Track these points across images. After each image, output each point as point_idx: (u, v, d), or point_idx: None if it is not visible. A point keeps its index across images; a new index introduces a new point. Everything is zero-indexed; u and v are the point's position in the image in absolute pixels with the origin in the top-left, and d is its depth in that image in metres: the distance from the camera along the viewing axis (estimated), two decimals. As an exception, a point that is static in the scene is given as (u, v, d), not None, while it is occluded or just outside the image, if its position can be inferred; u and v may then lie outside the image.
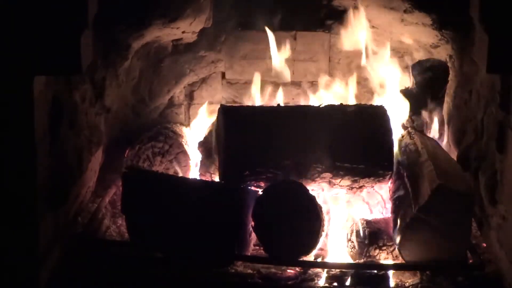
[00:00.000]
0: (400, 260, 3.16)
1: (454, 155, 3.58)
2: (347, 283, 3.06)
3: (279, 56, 3.96)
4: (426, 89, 3.57)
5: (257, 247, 3.33)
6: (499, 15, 2.82)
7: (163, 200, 3.19)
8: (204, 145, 3.66)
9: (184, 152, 3.86)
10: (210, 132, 3.68)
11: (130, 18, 3.57)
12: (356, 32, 3.86)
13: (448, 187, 3.01)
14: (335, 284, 3.06)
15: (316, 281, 3.10)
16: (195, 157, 3.84)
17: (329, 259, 3.31)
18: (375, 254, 3.23)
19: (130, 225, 3.26)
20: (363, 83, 4.07)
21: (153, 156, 3.84)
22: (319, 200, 3.31)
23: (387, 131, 3.34)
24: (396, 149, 3.38)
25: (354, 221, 3.38)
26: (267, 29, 3.93)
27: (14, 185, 2.79)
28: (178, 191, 3.23)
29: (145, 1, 3.58)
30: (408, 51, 4.02)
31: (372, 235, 3.25)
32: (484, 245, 3.27)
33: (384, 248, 3.23)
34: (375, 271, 3.11)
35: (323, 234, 3.27)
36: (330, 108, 3.48)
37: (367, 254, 3.23)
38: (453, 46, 3.67)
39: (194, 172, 3.82)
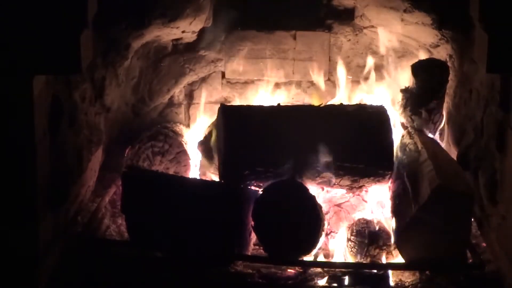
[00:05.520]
0: (400, 260, 3.16)
1: (454, 154, 3.58)
2: (347, 283, 3.06)
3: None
4: (426, 89, 3.57)
5: (257, 247, 3.33)
6: (499, 15, 2.82)
7: (163, 200, 3.19)
8: (204, 145, 3.66)
9: (184, 152, 3.86)
10: (210, 132, 3.68)
11: (130, 18, 3.57)
12: None
13: (447, 187, 3.01)
14: (335, 284, 3.06)
15: (316, 281, 3.10)
16: (195, 157, 3.84)
17: (329, 259, 3.32)
18: (375, 254, 3.23)
19: (130, 224, 3.26)
20: (363, 83, 4.07)
21: (153, 156, 3.84)
22: (319, 200, 3.31)
23: (387, 131, 3.34)
24: (396, 148, 3.38)
25: (354, 220, 3.38)
26: None
27: (14, 185, 2.79)
28: (178, 191, 3.23)
29: (145, 1, 3.59)
30: (408, 50, 4.02)
31: (372, 235, 3.25)
32: (484, 244, 3.27)
33: (384, 248, 3.23)
34: (375, 271, 3.11)
35: (323, 233, 3.27)
36: (330, 107, 3.48)
37: (367, 254, 3.23)
38: (453, 45, 3.67)
39: (194, 172, 3.82)
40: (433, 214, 3.02)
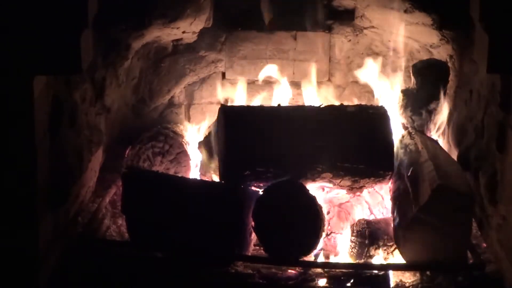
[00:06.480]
0: (400, 260, 3.16)
1: (454, 155, 3.58)
2: (347, 283, 3.06)
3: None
4: (426, 89, 3.57)
5: (257, 247, 3.33)
6: (499, 15, 2.81)
7: (163, 200, 3.19)
8: (204, 145, 3.66)
9: (184, 152, 3.86)
10: (210, 132, 3.68)
11: (130, 18, 3.57)
12: None
13: (448, 187, 3.01)
14: (335, 284, 3.06)
15: (316, 281, 3.10)
16: (195, 157, 3.84)
17: (329, 259, 3.32)
18: (375, 254, 3.23)
19: (130, 225, 3.26)
20: (363, 83, 4.07)
21: (153, 156, 3.84)
22: (319, 200, 3.31)
23: (387, 131, 3.34)
24: (396, 149, 3.38)
25: (354, 221, 3.38)
26: None
27: (14, 185, 2.79)
28: (178, 191, 3.23)
29: (145, 1, 3.59)
30: (408, 51, 4.02)
31: (372, 235, 3.25)
32: (485, 245, 3.27)
33: (384, 248, 3.23)
34: (375, 271, 3.11)
35: (323, 234, 3.27)
36: (331, 108, 3.48)
37: (367, 254, 3.23)
38: (453, 46, 3.67)
39: (194, 172, 3.82)
40: (433, 214, 3.01)
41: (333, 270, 3.12)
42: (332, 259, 3.32)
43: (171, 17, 3.71)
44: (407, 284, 3.08)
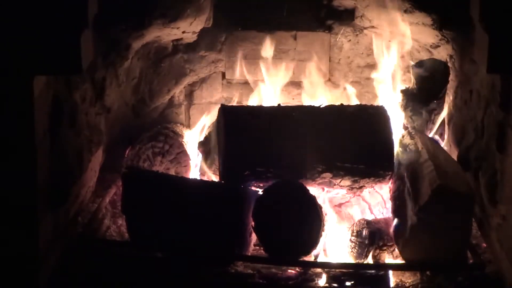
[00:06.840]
0: (400, 260, 3.16)
1: (454, 155, 3.58)
2: (347, 283, 3.06)
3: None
4: (426, 89, 3.57)
5: (257, 247, 3.33)
6: (499, 15, 2.82)
7: (163, 200, 3.19)
8: (204, 145, 3.66)
9: (184, 152, 3.87)
10: (210, 132, 3.68)
11: (130, 18, 3.57)
12: None
13: (448, 187, 3.01)
14: (335, 284, 3.06)
15: (316, 281, 3.10)
16: (195, 157, 3.84)
17: (329, 259, 3.32)
18: (375, 254, 3.23)
19: (130, 225, 3.26)
20: (363, 83, 4.07)
21: (153, 156, 3.84)
22: (319, 200, 3.31)
23: (387, 131, 3.34)
24: (396, 149, 3.38)
25: (354, 221, 3.38)
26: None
27: (14, 185, 2.79)
28: (178, 191, 3.23)
29: (145, 1, 3.59)
30: (408, 51, 4.02)
31: (372, 235, 3.25)
32: (484, 245, 3.27)
33: (384, 248, 3.23)
34: (375, 271, 3.11)
35: (323, 234, 3.27)
36: (331, 108, 3.48)
37: (367, 254, 3.23)
38: (453, 46, 3.67)
39: (194, 172, 3.82)
40: (433, 214, 3.01)
41: (333, 270, 3.12)
42: (332, 259, 3.32)
43: (171, 17, 3.71)
44: (407, 284, 3.08)
